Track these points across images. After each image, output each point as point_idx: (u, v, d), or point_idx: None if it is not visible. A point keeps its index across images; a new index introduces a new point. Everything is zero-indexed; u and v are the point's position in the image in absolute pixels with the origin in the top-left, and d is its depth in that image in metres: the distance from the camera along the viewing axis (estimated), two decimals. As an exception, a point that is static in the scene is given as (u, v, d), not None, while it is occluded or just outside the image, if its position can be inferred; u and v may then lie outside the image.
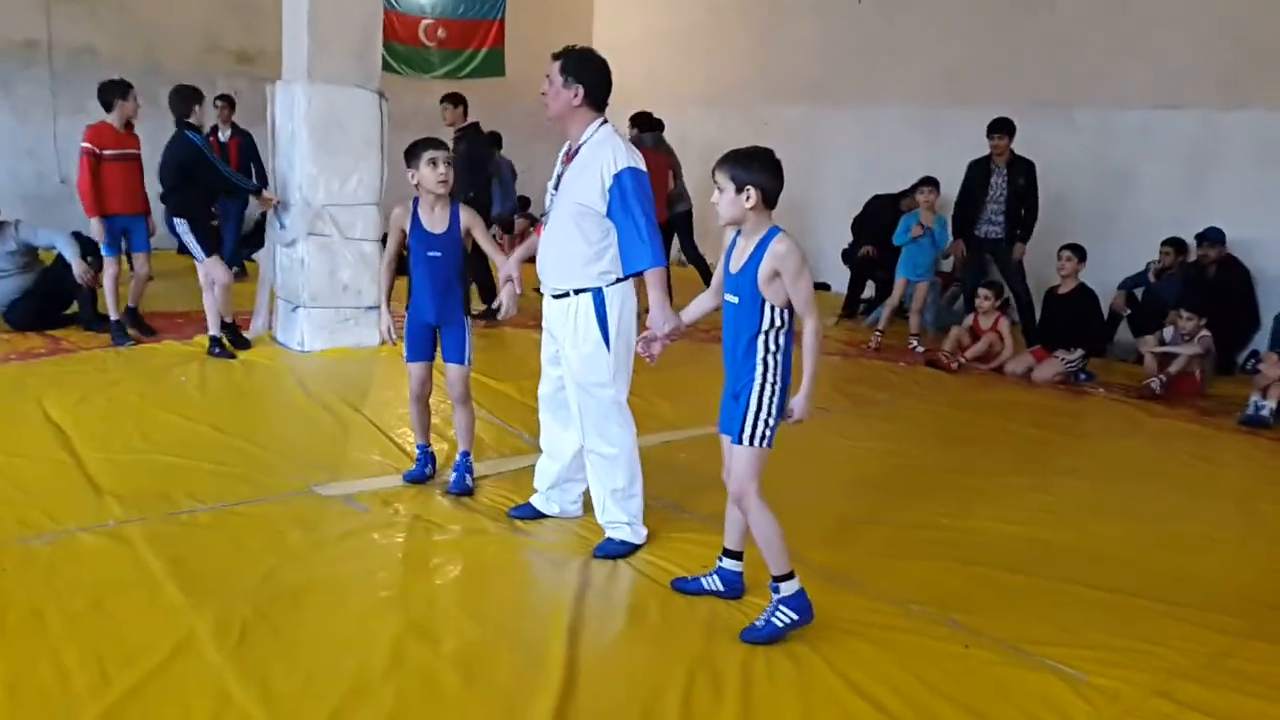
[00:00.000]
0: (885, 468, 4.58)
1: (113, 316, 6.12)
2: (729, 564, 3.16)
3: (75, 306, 6.43)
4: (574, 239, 3.29)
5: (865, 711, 2.53)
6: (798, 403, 2.92)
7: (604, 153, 3.27)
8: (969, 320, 7.11)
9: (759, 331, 2.85)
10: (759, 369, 2.88)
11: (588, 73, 3.36)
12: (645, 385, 5.84)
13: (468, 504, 3.81)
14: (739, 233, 2.94)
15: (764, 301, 2.84)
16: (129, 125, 6.06)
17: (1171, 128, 7.59)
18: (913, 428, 5.29)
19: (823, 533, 3.70)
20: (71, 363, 5.67)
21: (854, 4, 9.88)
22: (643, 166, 3.29)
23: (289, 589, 3.04)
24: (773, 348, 2.87)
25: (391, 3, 10.33)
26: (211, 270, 5.88)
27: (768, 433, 2.91)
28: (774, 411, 2.90)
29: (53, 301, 6.45)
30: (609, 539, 3.44)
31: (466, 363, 3.95)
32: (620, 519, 3.43)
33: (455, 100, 7.37)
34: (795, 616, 2.86)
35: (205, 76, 7.80)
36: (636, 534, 3.46)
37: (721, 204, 2.87)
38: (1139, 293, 7.40)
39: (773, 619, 2.87)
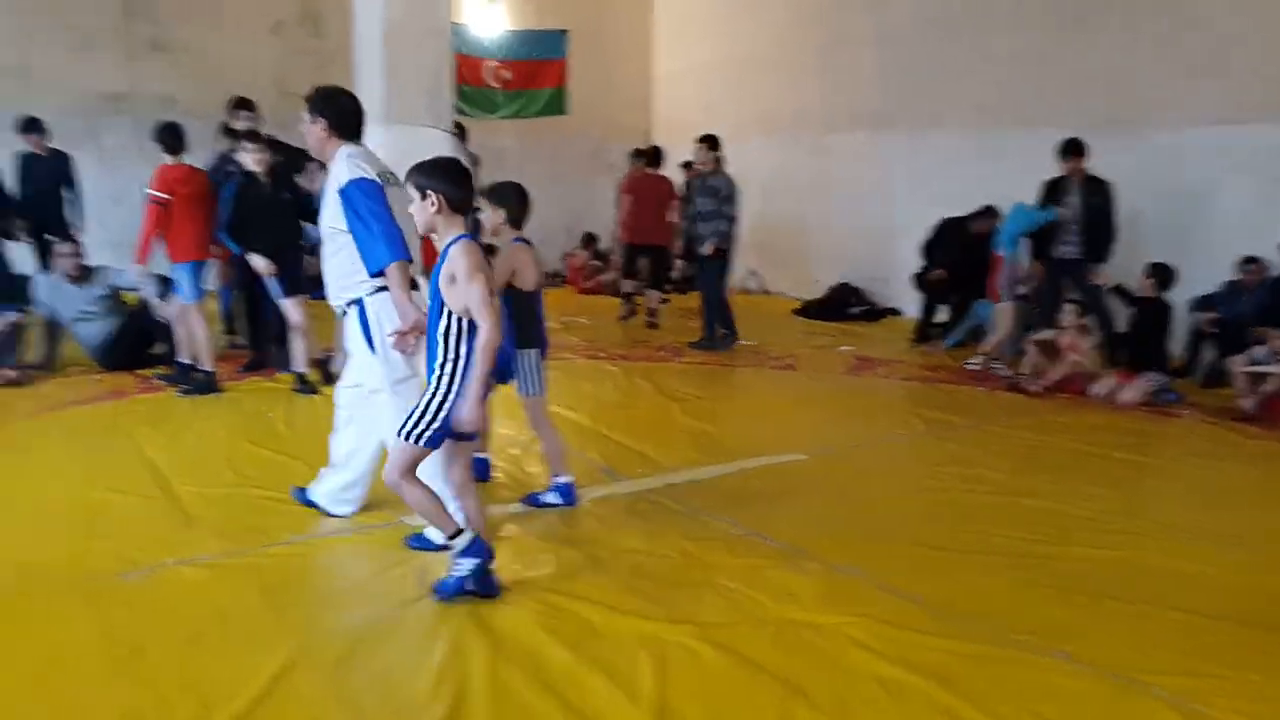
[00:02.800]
0: (972, 494, 4.47)
1: (206, 366, 6.03)
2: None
3: (160, 347, 6.63)
4: (335, 257, 3.57)
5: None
6: (457, 407, 2.98)
7: (335, 174, 3.52)
8: (1048, 341, 6.95)
9: (440, 334, 2.98)
10: (435, 373, 3.00)
11: (330, 107, 3.61)
12: (719, 412, 5.87)
13: (553, 530, 3.81)
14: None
15: (443, 305, 2.96)
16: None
17: (1245, 143, 7.37)
18: (997, 453, 5.16)
19: (914, 562, 3.62)
20: (161, 401, 5.84)
21: (912, 30, 9.86)
22: (369, 176, 3.46)
23: (381, 617, 3.06)
24: (451, 354, 2.97)
25: (459, 45, 10.57)
26: (289, 312, 6.01)
27: (426, 434, 3.00)
28: (438, 417, 2.99)
29: (141, 341, 6.67)
30: (419, 535, 3.61)
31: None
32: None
33: None
34: (475, 560, 3.09)
35: (279, 121, 8.02)
36: (438, 533, 3.42)
37: (414, 211, 3.03)
38: (1219, 311, 7.17)
39: (454, 571, 3.12)
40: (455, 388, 2.98)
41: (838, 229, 10.95)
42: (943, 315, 8.68)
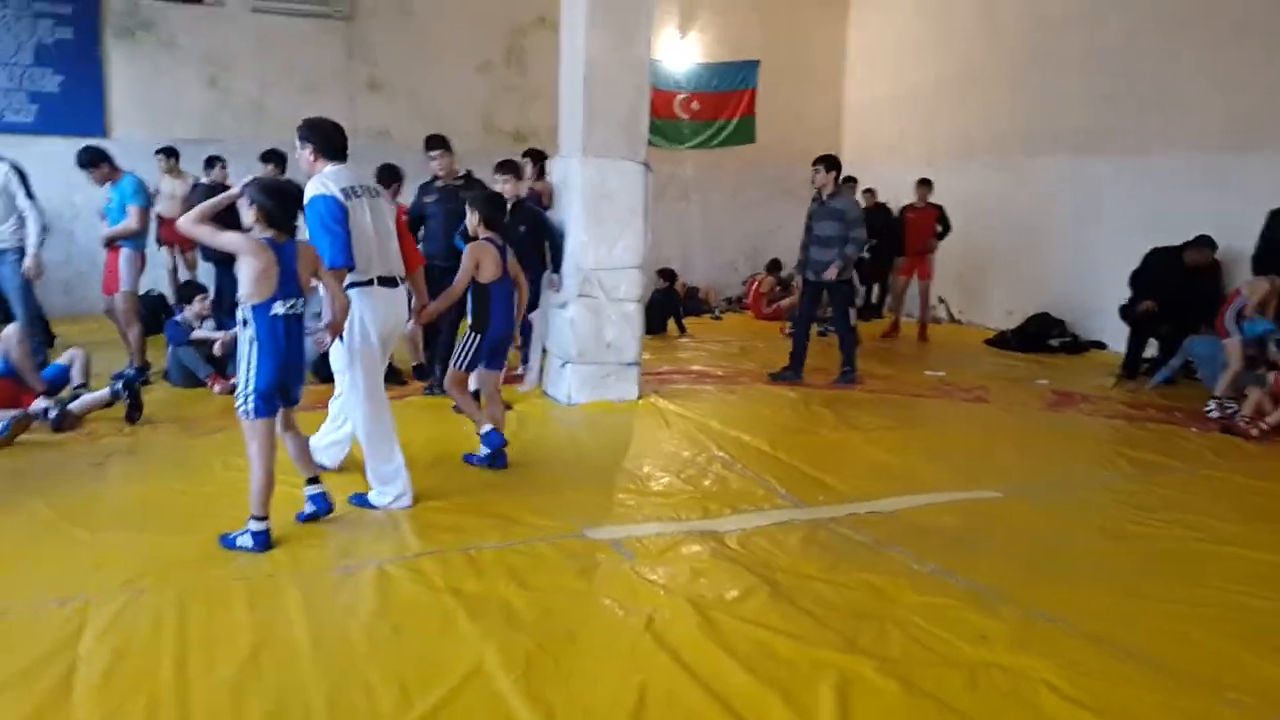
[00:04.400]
0: (1184, 542, 4.16)
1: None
2: (310, 490, 3.98)
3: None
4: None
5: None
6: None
7: (307, 191, 3.97)
8: (1271, 381, 6.38)
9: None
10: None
11: (315, 133, 4.10)
12: (904, 443, 5.70)
13: (731, 552, 3.84)
14: None
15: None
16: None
17: None
18: (1211, 499, 4.78)
19: (1119, 610, 3.41)
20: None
21: (1121, 52, 9.33)
22: (329, 194, 3.95)
23: (567, 624, 3.18)
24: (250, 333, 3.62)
25: (651, 80, 10.87)
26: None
27: (249, 407, 3.64)
28: (249, 393, 3.64)
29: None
30: (360, 495, 4.28)
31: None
32: (373, 481, 4.25)
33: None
34: (251, 544, 3.69)
35: (485, 153, 8.49)
36: (379, 497, 4.24)
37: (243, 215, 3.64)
38: None
39: (238, 536, 3.72)
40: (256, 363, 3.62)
41: (1036, 257, 10.47)
42: (1152, 350, 8.13)
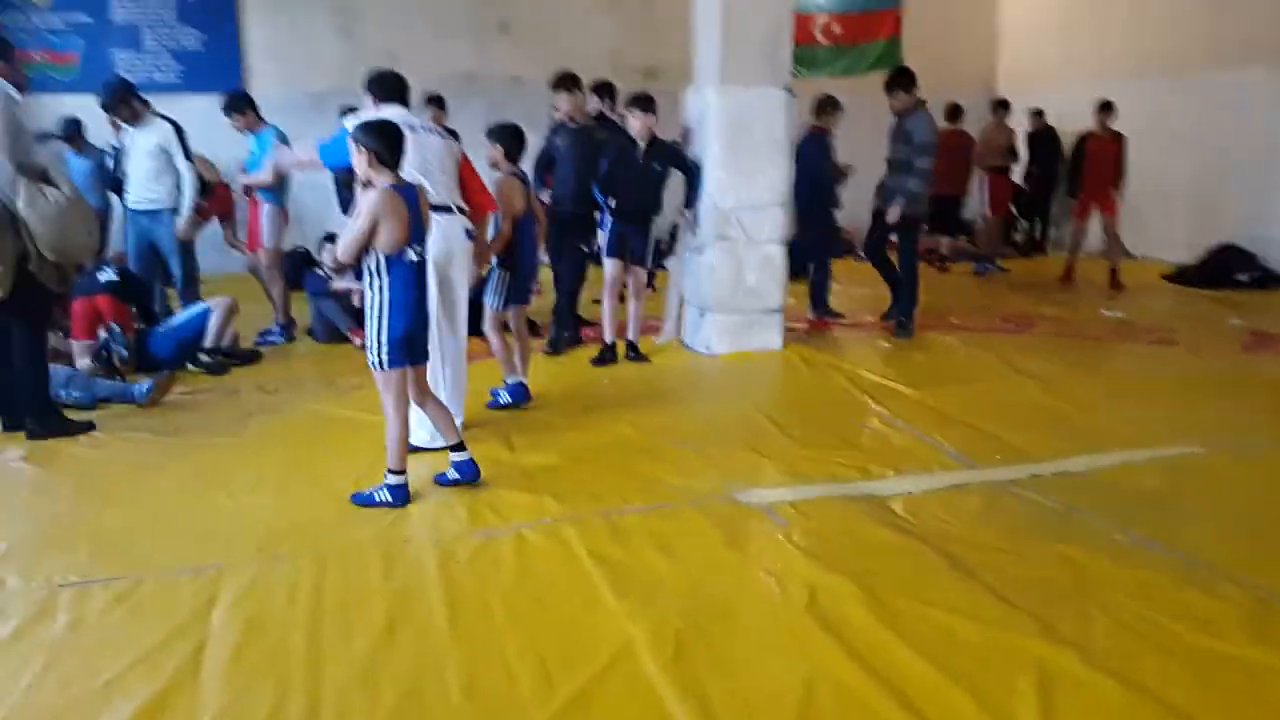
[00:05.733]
0: None
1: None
2: (456, 456, 3.78)
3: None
4: None
5: None
6: None
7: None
8: None
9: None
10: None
11: (372, 83, 4.34)
12: (1086, 393, 5.12)
13: (898, 520, 3.45)
14: None
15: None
16: None
17: None
18: None
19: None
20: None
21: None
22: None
23: (718, 601, 2.88)
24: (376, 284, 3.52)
25: (789, 2, 10.23)
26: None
27: (382, 358, 3.54)
28: (382, 342, 3.54)
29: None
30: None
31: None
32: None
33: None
34: (390, 499, 3.58)
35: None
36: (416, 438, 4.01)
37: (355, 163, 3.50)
38: None
39: (375, 492, 3.61)
40: (386, 316, 3.51)
41: (1220, 184, 9.41)
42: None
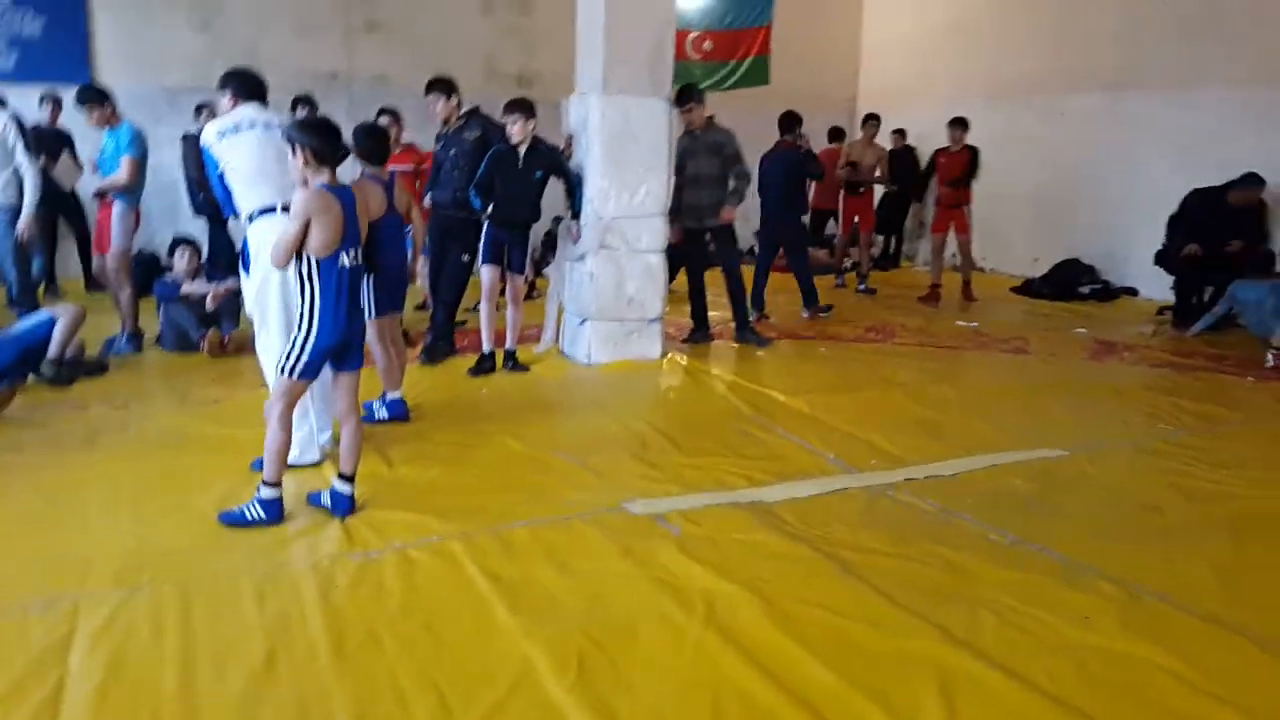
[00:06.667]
0: (1267, 501, 3.84)
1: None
2: (341, 485, 3.56)
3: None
4: None
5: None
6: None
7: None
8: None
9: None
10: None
11: (232, 79, 4.23)
12: (952, 399, 5.33)
13: (786, 526, 3.48)
14: None
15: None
16: None
17: None
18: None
19: (1227, 585, 3.08)
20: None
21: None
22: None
23: (617, 615, 2.82)
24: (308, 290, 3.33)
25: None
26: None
27: (296, 366, 3.35)
28: (306, 349, 3.34)
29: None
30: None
31: None
32: None
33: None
34: (263, 515, 3.39)
35: (487, 98, 7.99)
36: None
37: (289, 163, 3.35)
38: None
39: (246, 509, 3.40)
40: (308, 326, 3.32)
41: (1063, 201, 10.02)
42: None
